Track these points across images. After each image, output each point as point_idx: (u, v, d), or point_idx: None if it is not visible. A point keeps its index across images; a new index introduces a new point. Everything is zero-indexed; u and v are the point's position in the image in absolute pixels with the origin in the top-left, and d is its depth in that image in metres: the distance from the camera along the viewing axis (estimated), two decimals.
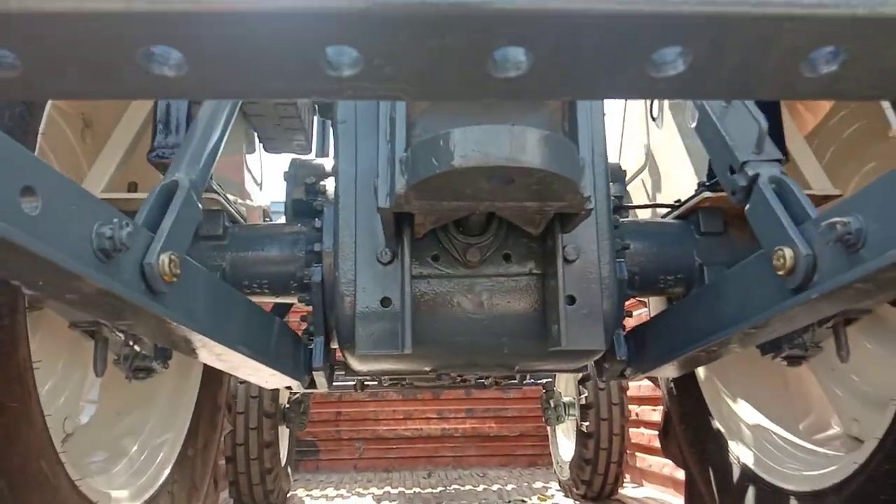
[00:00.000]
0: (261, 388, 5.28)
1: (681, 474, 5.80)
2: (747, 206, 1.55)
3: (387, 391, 8.43)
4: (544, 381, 5.95)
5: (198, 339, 1.37)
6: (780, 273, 1.28)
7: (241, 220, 2.21)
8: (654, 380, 3.27)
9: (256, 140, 2.87)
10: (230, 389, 2.96)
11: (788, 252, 1.27)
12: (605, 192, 1.86)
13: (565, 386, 6.40)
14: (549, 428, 6.72)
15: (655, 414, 6.36)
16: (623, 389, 5.70)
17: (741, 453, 2.54)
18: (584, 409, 5.63)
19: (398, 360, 1.86)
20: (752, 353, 2.69)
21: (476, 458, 8.43)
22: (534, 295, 1.82)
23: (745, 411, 2.63)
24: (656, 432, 6.56)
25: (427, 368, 2.00)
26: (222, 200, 2.06)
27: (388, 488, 6.96)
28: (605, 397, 5.61)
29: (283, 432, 6.26)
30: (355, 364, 1.91)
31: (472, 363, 1.99)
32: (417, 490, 6.77)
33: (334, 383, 6.26)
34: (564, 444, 6.51)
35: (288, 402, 5.78)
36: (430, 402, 8.51)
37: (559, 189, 1.39)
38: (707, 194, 2.15)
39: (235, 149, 2.60)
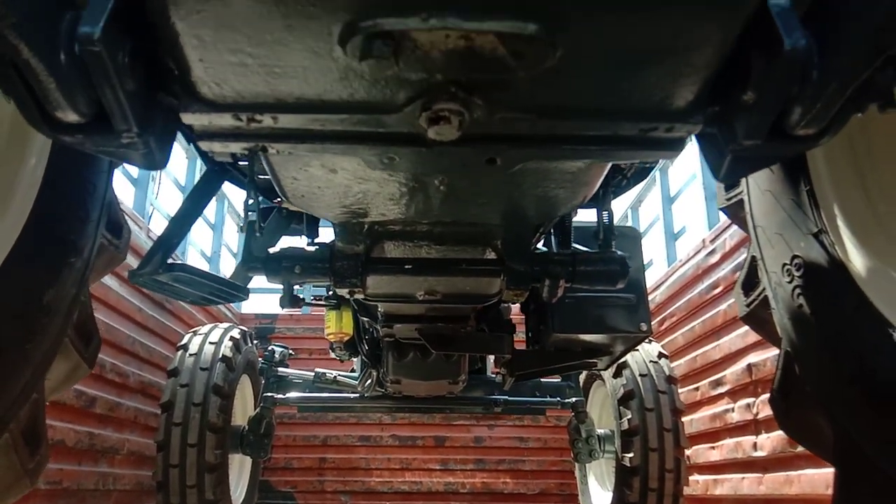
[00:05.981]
0: (205, 394, 4.08)
1: None
2: None
3: (381, 431, 7.15)
4: (573, 399, 4.68)
5: None
6: None
7: None
8: (756, 321, 2.03)
9: None
10: (85, 310, 1.77)
11: None
12: None
13: (599, 415, 5.13)
14: (577, 471, 5.39)
15: (714, 453, 5.03)
16: (678, 413, 4.41)
17: None
18: (627, 436, 4.35)
19: None
20: None
21: None
22: None
23: None
24: (714, 477, 5.25)
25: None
26: None
27: None
28: (653, 421, 4.34)
29: (244, 465, 5.03)
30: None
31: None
32: None
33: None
34: (598, 492, 5.17)
35: (247, 424, 4.59)
36: (433, 449, 7.30)
37: None
38: None
39: None
